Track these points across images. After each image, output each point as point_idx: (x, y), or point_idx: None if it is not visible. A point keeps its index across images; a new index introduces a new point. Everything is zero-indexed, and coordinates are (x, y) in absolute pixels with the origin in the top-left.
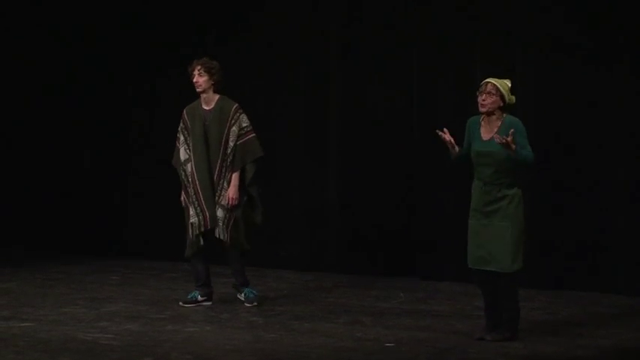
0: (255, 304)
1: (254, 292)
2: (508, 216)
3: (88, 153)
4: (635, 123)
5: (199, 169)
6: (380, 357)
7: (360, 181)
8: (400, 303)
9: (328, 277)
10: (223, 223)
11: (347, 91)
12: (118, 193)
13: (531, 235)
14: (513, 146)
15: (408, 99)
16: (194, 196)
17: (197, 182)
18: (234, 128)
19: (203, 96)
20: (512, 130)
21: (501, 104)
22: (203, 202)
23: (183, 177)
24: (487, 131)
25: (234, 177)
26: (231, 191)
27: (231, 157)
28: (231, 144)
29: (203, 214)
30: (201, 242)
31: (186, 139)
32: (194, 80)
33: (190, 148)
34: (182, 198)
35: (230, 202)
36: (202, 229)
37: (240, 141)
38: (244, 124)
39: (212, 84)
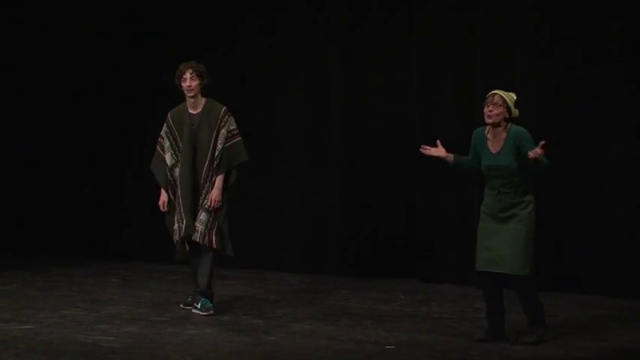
0: (212, 312)
1: (211, 302)
2: (522, 220)
3: (87, 155)
4: (635, 123)
5: (183, 175)
6: (380, 359)
7: (360, 184)
8: (401, 305)
9: (329, 279)
10: (206, 227)
11: (348, 94)
12: (118, 195)
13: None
14: (544, 159)
15: (408, 101)
16: (175, 202)
17: (179, 189)
18: (223, 130)
19: (191, 100)
20: (542, 142)
21: (507, 116)
22: (182, 210)
23: (162, 182)
24: (494, 144)
25: (219, 179)
26: (214, 193)
27: (218, 160)
28: (219, 146)
29: (182, 222)
30: (187, 247)
31: (172, 144)
32: (187, 85)
33: (178, 153)
34: (162, 201)
35: (212, 205)
36: (182, 235)
37: (228, 144)
38: (232, 127)
39: (201, 88)
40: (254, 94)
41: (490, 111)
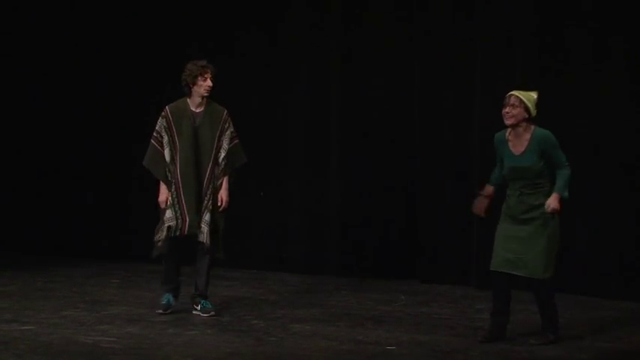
0: (213, 313)
1: (210, 304)
2: (544, 222)
3: (88, 156)
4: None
5: (185, 173)
6: None
7: (361, 185)
8: (401, 306)
9: (329, 280)
10: (209, 227)
11: (348, 94)
12: (119, 195)
13: None
14: (558, 209)
15: (409, 102)
16: (176, 199)
17: (181, 186)
18: (227, 132)
19: (198, 100)
20: (550, 208)
21: (526, 116)
22: (185, 207)
23: (163, 177)
24: (517, 145)
25: (226, 180)
26: (224, 194)
27: (225, 161)
28: (225, 147)
29: (182, 219)
30: (173, 246)
31: (170, 139)
32: (207, 84)
33: (176, 149)
34: (165, 197)
35: (224, 205)
36: (178, 234)
37: (230, 145)
38: (232, 129)
39: None
40: (254, 95)
41: (507, 112)
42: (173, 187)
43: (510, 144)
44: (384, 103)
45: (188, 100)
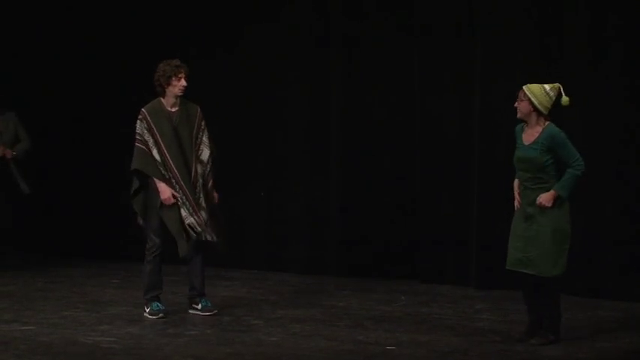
0: (215, 311)
1: (209, 302)
2: (550, 220)
3: (88, 156)
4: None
5: (182, 173)
6: None
7: (361, 185)
8: (401, 306)
9: (329, 280)
10: (207, 226)
11: (348, 94)
12: (119, 196)
13: None
14: (549, 205)
15: (409, 103)
16: (184, 197)
17: (183, 184)
18: (203, 129)
19: (172, 100)
20: (538, 201)
21: (532, 109)
22: (194, 203)
23: (159, 175)
24: (528, 136)
25: (213, 180)
26: (213, 191)
27: (211, 164)
28: (206, 141)
29: (197, 215)
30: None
31: (155, 140)
32: (182, 84)
33: (162, 150)
34: (171, 193)
35: (217, 201)
36: (199, 229)
37: (210, 142)
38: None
39: None
40: (254, 95)
41: (516, 106)
42: (176, 185)
43: (524, 135)
44: (384, 105)
45: (162, 100)
